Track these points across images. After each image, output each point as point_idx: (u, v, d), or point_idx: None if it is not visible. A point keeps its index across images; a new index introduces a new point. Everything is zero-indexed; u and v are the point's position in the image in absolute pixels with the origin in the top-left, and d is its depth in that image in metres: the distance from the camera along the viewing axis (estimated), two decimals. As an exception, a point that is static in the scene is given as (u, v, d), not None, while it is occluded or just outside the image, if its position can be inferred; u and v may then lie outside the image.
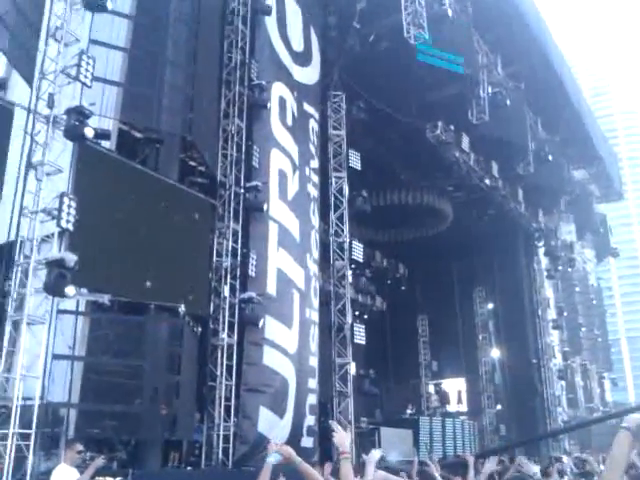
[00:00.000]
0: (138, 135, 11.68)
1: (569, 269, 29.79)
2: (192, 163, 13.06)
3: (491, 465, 4.67)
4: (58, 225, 8.10)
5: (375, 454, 3.64)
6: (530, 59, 21.04)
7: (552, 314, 28.17)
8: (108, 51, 10.45)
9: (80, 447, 5.60)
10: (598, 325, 34.32)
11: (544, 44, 21.51)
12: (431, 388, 28.96)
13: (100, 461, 5.75)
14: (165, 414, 9.46)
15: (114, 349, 9.31)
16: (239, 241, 13.19)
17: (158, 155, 11.46)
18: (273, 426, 12.61)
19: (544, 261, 28.50)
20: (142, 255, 10.03)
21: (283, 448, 3.34)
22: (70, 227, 8.17)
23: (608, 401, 34.85)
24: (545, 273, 28.14)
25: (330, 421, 3.87)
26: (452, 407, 28.03)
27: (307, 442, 13.80)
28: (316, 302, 15.33)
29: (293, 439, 13.12)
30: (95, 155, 10.02)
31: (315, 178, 15.89)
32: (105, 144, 10.31)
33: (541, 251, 28.17)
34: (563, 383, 27.71)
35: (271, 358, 13.12)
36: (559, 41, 23.94)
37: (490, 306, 29.03)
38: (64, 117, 8.55)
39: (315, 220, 15.68)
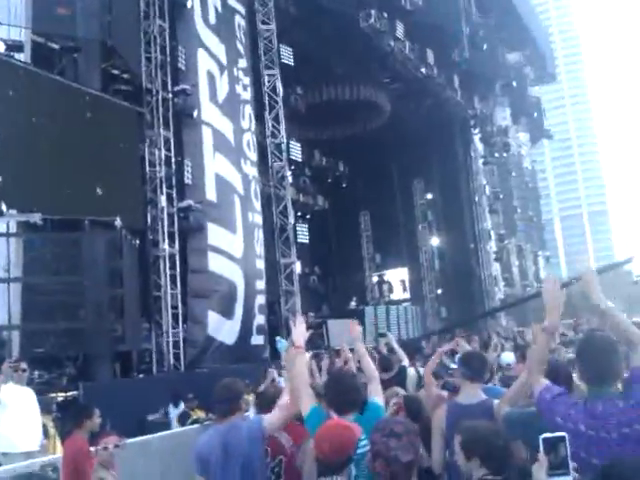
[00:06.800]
0: (54, 46, 10.92)
1: (504, 154, 30.27)
2: (115, 71, 12.35)
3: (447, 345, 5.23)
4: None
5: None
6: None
7: (488, 199, 29.01)
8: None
9: (24, 365, 5.65)
10: (532, 207, 35.37)
11: None
12: (375, 280, 30.00)
13: None
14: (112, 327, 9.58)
15: (52, 268, 9.22)
16: (172, 149, 12.88)
17: (77, 65, 10.80)
18: (221, 327, 13.02)
19: (480, 147, 28.97)
20: (70, 170, 9.70)
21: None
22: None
23: (542, 278, 36.71)
24: (481, 160, 28.69)
25: (293, 316, 4.12)
26: (396, 295, 29.24)
27: (257, 340, 14.37)
28: (258, 205, 15.39)
29: (243, 338, 13.67)
30: (9, 68, 9.40)
31: (245, 79, 15.39)
32: (19, 57, 9.66)
33: (477, 138, 28.58)
34: (498, 265, 29.05)
35: (217, 264, 13.30)
36: None
37: (429, 196, 29.56)
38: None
39: (247, 123, 15.34)
